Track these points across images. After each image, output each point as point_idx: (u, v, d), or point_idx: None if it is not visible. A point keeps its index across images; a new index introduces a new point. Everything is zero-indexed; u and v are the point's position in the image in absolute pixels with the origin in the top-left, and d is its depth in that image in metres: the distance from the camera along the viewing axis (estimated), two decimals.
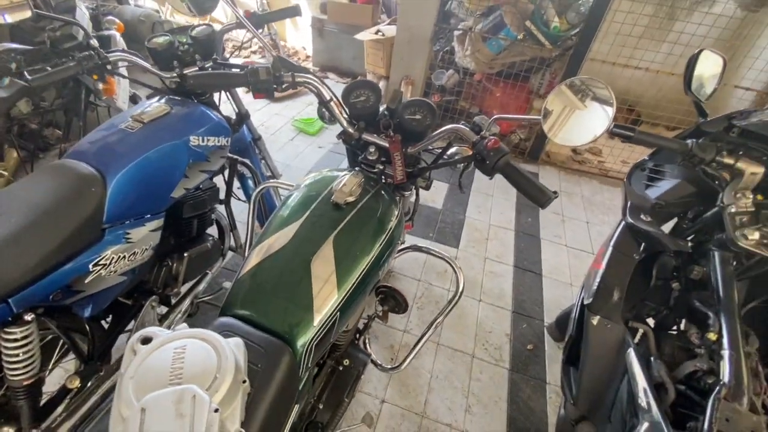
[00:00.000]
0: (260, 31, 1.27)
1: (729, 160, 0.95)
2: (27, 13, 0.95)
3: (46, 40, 1.25)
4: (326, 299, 0.75)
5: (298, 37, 4.73)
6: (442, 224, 2.40)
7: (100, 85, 1.46)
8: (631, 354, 0.93)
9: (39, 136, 1.67)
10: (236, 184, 1.65)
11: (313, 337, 0.73)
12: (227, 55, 1.48)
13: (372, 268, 0.87)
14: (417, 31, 2.83)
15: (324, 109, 1.00)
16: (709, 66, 0.95)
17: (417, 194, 1.29)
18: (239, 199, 1.73)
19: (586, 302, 1.06)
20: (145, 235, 1.11)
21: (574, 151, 3.27)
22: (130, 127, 1.08)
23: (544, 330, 1.83)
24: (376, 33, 3.27)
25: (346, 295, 0.79)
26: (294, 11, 1.25)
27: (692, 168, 1.03)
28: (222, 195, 1.53)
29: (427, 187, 1.31)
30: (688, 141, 0.97)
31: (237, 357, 0.59)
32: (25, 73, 1.06)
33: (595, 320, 1.00)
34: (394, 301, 1.22)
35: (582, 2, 2.53)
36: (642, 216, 1.07)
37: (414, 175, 1.04)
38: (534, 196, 0.76)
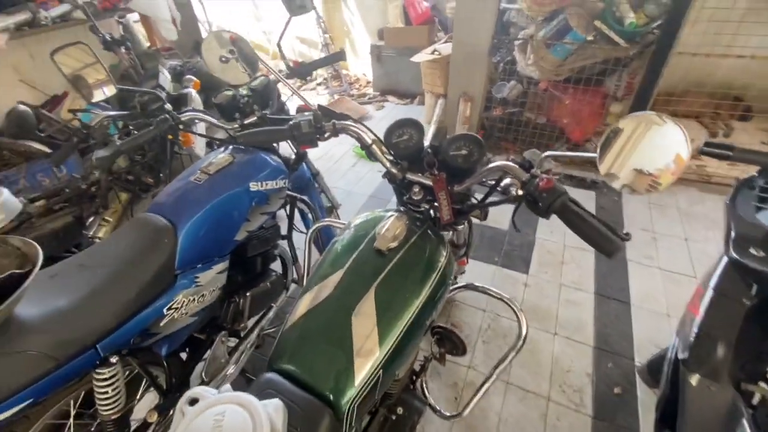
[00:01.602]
0: (308, 79, 1.32)
1: None
2: (113, 90, 1.10)
3: (137, 104, 1.45)
4: (367, 358, 0.72)
5: (359, 65, 4.92)
6: (508, 247, 2.25)
7: (180, 138, 1.65)
8: (746, 426, 0.75)
9: (138, 182, 1.91)
10: (297, 217, 1.73)
11: (355, 397, 0.71)
12: (285, 98, 1.58)
13: (421, 314, 0.83)
14: (474, 45, 2.75)
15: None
16: None
17: (470, 228, 1.21)
18: (301, 232, 1.80)
19: (681, 356, 0.88)
20: (213, 277, 1.20)
21: None
22: (197, 179, 1.19)
23: (634, 371, 1.59)
24: (432, 53, 3.26)
25: (389, 351, 0.75)
26: (339, 56, 1.29)
27: None
28: (284, 230, 1.61)
29: (484, 217, 1.23)
30: None
31: (274, 422, 0.59)
32: (127, 132, 1.23)
33: (694, 380, 0.83)
34: (450, 344, 1.15)
35: None
36: (752, 249, 0.87)
37: (463, 212, 0.98)
38: (598, 244, 0.66)
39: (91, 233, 1.70)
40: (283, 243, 1.64)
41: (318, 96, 4.58)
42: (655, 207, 2.48)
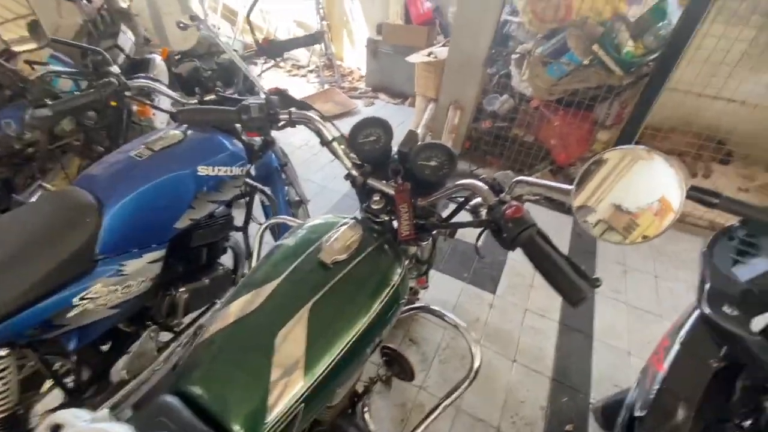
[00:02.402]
0: (278, 60, 1.21)
1: None
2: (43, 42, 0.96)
3: (90, 63, 1.30)
4: (285, 390, 0.61)
5: (354, 58, 4.79)
6: (479, 264, 2.18)
7: (135, 107, 1.50)
8: None
9: (88, 149, 1.74)
10: (260, 208, 1.60)
11: None
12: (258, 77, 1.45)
13: (363, 338, 0.73)
14: (470, 53, 2.68)
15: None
16: None
17: (434, 245, 1.12)
18: (261, 224, 1.67)
19: (637, 413, 0.81)
20: (142, 267, 1.06)
21: None
22: (138, 155, 1.06)
23: (589, 408, 1.54)
24: (429, 55, 3.17)
25: (316, 382, 0.65)
26: (314, 39, 1.17)
27: None
28: (239, 221, 1.49)
29: (451, 236, 1.14)
30: None
31: None
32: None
33: None
34: (399, 367, 1.06)
35: (662, 25, 2.21)
36: (726, 308, 0.81)
37: (426, 229, 0.89)
38: (563, 290, 0.57)
39: (24, 198, 1.52)
40: (239, 235, 1.52)
41: (308, 84, 4.42)
42: None
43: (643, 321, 1.93)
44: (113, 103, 1.10)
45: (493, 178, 0.72)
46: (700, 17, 1.98)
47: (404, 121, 3.74)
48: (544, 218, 2.59)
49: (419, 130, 3.18)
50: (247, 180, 1.43)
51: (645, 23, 2.26)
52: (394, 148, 0.90)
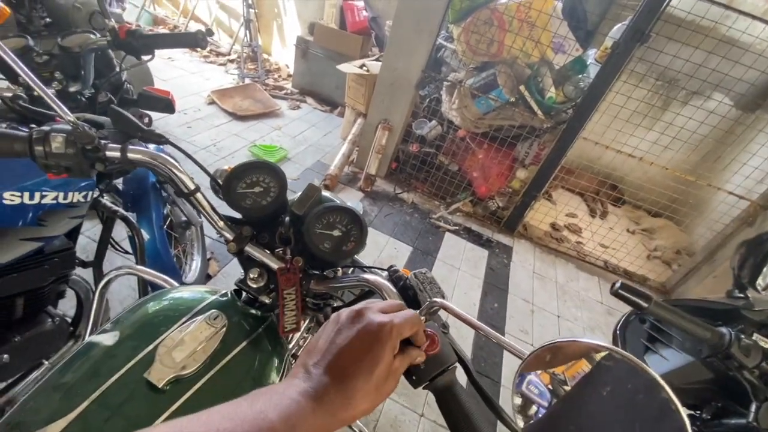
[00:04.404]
0: (148, 58, 0.91)
1: None
2: None
3: None
4: None
5: (283, 54, 4.43)
6: None
7: None
8: None
9: None
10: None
11: None
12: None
13: None
14: (403, 73, 2.56)
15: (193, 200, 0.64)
16: None
17: None
18: (127, 253, 1.31)
19: None
20: None
21: (552, 227, 3.03)
22: None
23: None
24: (361, 67, 3.00)
25: None
26: (194, 40, 0.90)
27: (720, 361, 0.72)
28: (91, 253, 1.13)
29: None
30: (724, 330, 0.67)
31: None
32: None
33: None
34: None
35: (582, 77, 2.32)
36: None
37: (317, 310, 0.69)
38: None
39: None
40: (89, 271, 1.16)
41: (227, 74, 3.96)
42: (538, 278, 2.53)
43: None
44: None
45: (406, 280, 0.54)
46: (614, 75, 2.10)
47: (331, 131, 3.52)
48: (461, 249, 2.56)
49: (346, 145, 2.98)
50: (104, 202, 1.09)
51: (567, 73, 2.35)
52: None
